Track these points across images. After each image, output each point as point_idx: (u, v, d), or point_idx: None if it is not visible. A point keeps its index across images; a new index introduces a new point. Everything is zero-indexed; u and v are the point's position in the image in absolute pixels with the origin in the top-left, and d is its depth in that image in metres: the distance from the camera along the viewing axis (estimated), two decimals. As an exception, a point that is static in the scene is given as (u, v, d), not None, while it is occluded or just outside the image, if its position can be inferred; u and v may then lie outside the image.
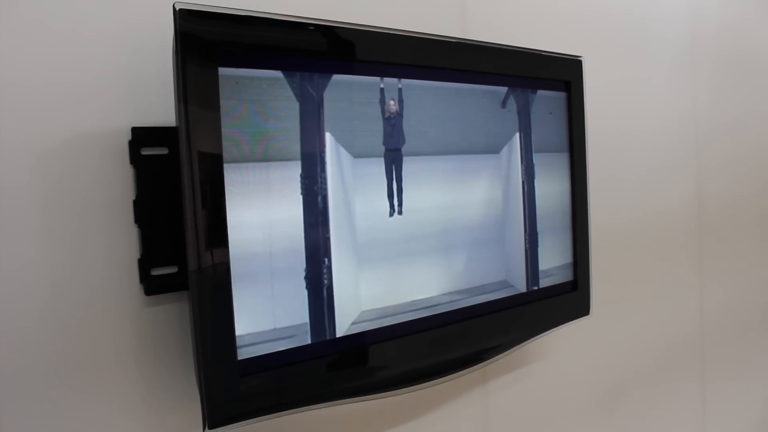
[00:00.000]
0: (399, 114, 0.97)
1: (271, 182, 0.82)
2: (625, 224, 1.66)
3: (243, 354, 0.79)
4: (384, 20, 1.00)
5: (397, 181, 0.97)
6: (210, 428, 0.75)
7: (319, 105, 0.87)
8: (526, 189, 1.17)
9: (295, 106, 0.84)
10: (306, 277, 0.86)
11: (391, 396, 0.96)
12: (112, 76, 0.82)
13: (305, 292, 0.86)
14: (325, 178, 0.87)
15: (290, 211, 0.84)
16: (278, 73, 0.83)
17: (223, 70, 0.76)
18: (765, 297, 2.27)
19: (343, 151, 0.90)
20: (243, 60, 0.79)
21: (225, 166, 0.76)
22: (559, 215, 1.25)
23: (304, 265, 0.85)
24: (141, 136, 0.83)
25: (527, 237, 1.18)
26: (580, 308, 1.30)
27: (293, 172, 0.84)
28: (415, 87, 0.99)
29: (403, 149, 0.98)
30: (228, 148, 0.77)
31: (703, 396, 1.98)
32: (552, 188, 1.23)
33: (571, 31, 1.51)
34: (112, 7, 0.82)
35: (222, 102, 0.76)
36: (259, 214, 0.81)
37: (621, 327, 1.66)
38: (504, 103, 1.13)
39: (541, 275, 1.21)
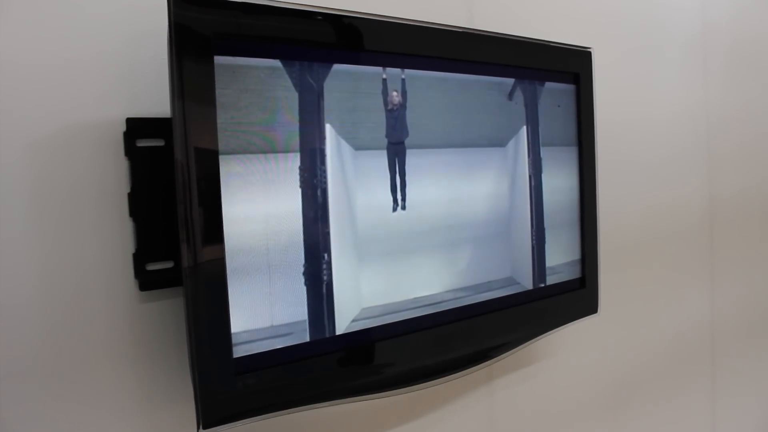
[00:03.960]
0: (402, 105, 0.94)
1: (268, 175, 0.80)
2: (635, 220, 1.63)
3: (239, 352, 0.77)
4: (387, 8, 0.97)
5: (400, 175, 0.95)
6: (204, 428, 0.73)
7: (319, 95, 0.84)
8: (533, 183, 1.15)
9: (294, 96, 0.82)
10: (305, 273, 0.83)
11: (392, 395, 0.94)
12: (106, 64, 0.80)
13: (304, 289, 0.83)
14: (325, 171, 0.85)
15: (289, 204, 0.82)
16: (277, 62, 0.80)
17: (219, 59, 0.74)
18: (777, 295, 2.23)
19: (343, 143, 0.87)
20: (240, 48, 0.77)
21: (221, 158, 0.74)
22: (566, 210, 1.22)
23: (302, 261, 0.83)
24: (136, 127, 0.81)
25: (534, 233, 1.15)
26: (588, 306, 1.27)
27: (292, 164, 0.82)
28: (419, 78, 0.96)
29: (407, 142, 0.95)
30: (224, 140, 0.75)
31: (713, 396, 1.95)
32: (560, 183, 1.20)
33: (580, 21, 1.48)
34: (105, -7, 0.80)
35: (218, 92, 0.74)
36: (257, 207, 0.79)
37: (630, 325, 1.63)
38: (511, 95, 1.10)
39: (548, 272, 1.18)
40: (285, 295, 0.82)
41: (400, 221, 0.95)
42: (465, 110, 1.03)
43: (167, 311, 0.84)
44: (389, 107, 0.93)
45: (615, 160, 1.53)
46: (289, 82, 0.81)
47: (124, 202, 0.81)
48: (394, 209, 0.95)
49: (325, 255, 0.85)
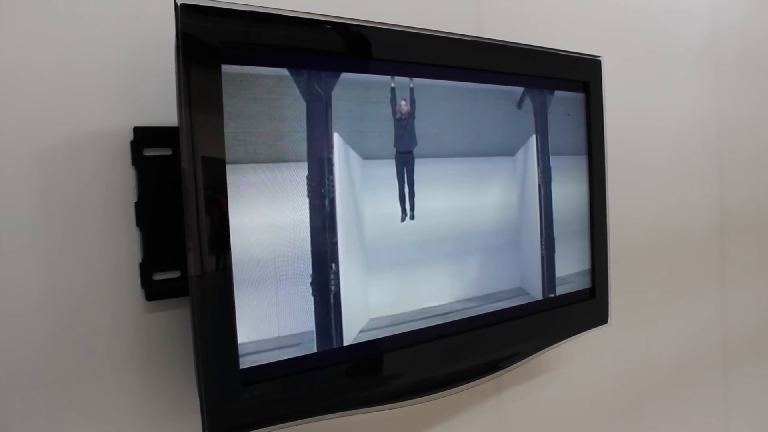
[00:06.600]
0: (411, 114, 0.94)
1: (276, 184, 0.79)
2: (645, 229, 1.61)
3: (245, 363, 0.76)
4: (396, 17, 0.97)
5: (408, 185, 0.94)
6: (210, 440, 0.72)
7: (327, 104, 0.84)
8: (542, 193, 1.13)
9: (301, 105, 0.81)
10: (312, 284, 0.83)
11: (400, 407, 0.92)
12: (113, 73, 0.80)
13: (311, 299, 0.83)
14: (332, 181, 0.84)
15: (296, 214, 0.81)
16: (284, 71, 0.80)
17: (226, 68, 0.74)
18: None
19: (351, 152, 0.87)
20: (247, 57, 0.76)
21: (228, 167, 0.74)
22: (576, 220, 1.21)
23: (310, 271, 0.82)
24: (143, 137, 0.81)
25: (543, 243, 1.14)
26: (598, 316, 1.26)
27: (299, 173, 0.81)
28: (427, 87, 0.96)
29: (415, 151, 0.94)
30: (231, 149, 0.74)
31: (725, 410, 1.92)
32: (569, 192, 1.19)
33: (589, 29, 1.47)
34: (112, 0, 0.80)
35: (225, 101, 0.73)
36: (264, 217, 0.78)
37: (640, 336, 1.61)
38: (520, 104, 1.09)
39: (557, 282, 1.17)
40: (292, 305, 0.81)
41: (408, 231, 0.94)
42: (474, 119, 1.03)
43: (174, 321, 0.84)
44: (397, 116, 0.92)
45: (625, 167, 1.52)
46: (296, 91, 0.81)
47: (131, 212, 0.81)
48: (403, 219, 0.94)
49: (333, 265, 0.85)
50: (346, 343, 0.86)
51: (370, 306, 0.90)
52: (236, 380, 0.75)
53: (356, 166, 0.88)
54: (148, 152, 0.81)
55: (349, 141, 0.86)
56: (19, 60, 0.73)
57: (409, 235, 0.95)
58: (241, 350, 0.75)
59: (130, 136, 0.81)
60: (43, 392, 0.75)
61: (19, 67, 0.73)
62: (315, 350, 0.83)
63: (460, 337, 1.00)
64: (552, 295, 1.16)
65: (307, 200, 0.82)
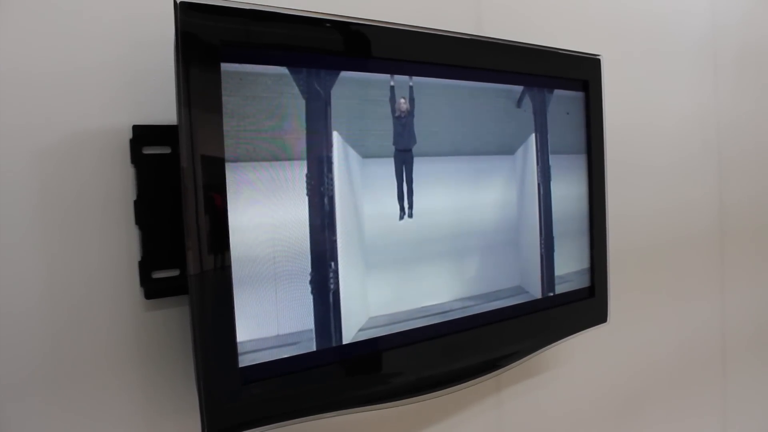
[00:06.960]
0: (410, 113, 0.94)
1: (275, 183, 0.79)
2: (645, 228, 1.61)
3: (244, 361, 0.76)
4: (396, 15, 0.97)
5: (407, 183, 0.94)
6: (209, 438, 0.72)
7: (327, 103, 0.84)
8: (541, 191, 1.13)
9: (301, 103, 0.81)
10: (311, 282, 0.83)
11: (400, 405, 0.92)
12: (112, 71, 0.80)
13: (310, 297, 0.83)
14: (332, 179, 0.84)
15: (295, 212, 0.81)
16: (284, 70, 0.80)
17: (225, 66, 0.74)
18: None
19: (351, 151, 0.87)
20: (247, 55, 0.76)
21: (227, 165, 0.74)
22: (575, 219, 1.21)
23: (309, 269, 0.82)
24: (142, 135, 0.81)
25: (543, 241, 1.14)
26: (598, 315, 1.26)
27: (299, 172, 0.81)
28: (426, 85, 0.96)
29: (414, 150, 0.94)
30: (230, 147, 0.74)
31: (724, 409, 1.92)
32: (569, 191, 1.19)
33: (589, 28, 1.47)
34: (112, -1, 0.80)
35: (224, 99, 0.73)
36: (263, 215, 0.78)
37: (639, 335, 1.61)
38: (519, 103, 1.09)
39: (557, 281, 1.17)
40: (291, 303, 0.81)
41: (407, 229, 0.94)
42: (473, 118, 1.02)
43: (173, 320, 0.84)
44: (397, 114, 0.92)
45: (624, 166, 1.52)
46: (296, 89, 0.81)
47: (130, 210, 0.81)
48: (401, 217, 0.94)
49: (332, 263, 0.85)
50: (345, 341, 0.86)
51: (369, 304, 0.90)
52: (235, 379, 0.75)
53: (355, 165, 0.88)
54: (148, 150, 0.81)
55: (349, 139, 0.86)
56: (18, 57, 0.73)
57: (407, 233, 0.94)
58: (240, 349, 0.75)
59: (130, 134, 0.80)
60: (42, 391, 0.75)
61: (18, 65, 0.73)
62: (314, 349, 0.83)
63: (459, 335, 1.00)
64: (551, 294, 1.16)
65: (306, 199, 0.82)
